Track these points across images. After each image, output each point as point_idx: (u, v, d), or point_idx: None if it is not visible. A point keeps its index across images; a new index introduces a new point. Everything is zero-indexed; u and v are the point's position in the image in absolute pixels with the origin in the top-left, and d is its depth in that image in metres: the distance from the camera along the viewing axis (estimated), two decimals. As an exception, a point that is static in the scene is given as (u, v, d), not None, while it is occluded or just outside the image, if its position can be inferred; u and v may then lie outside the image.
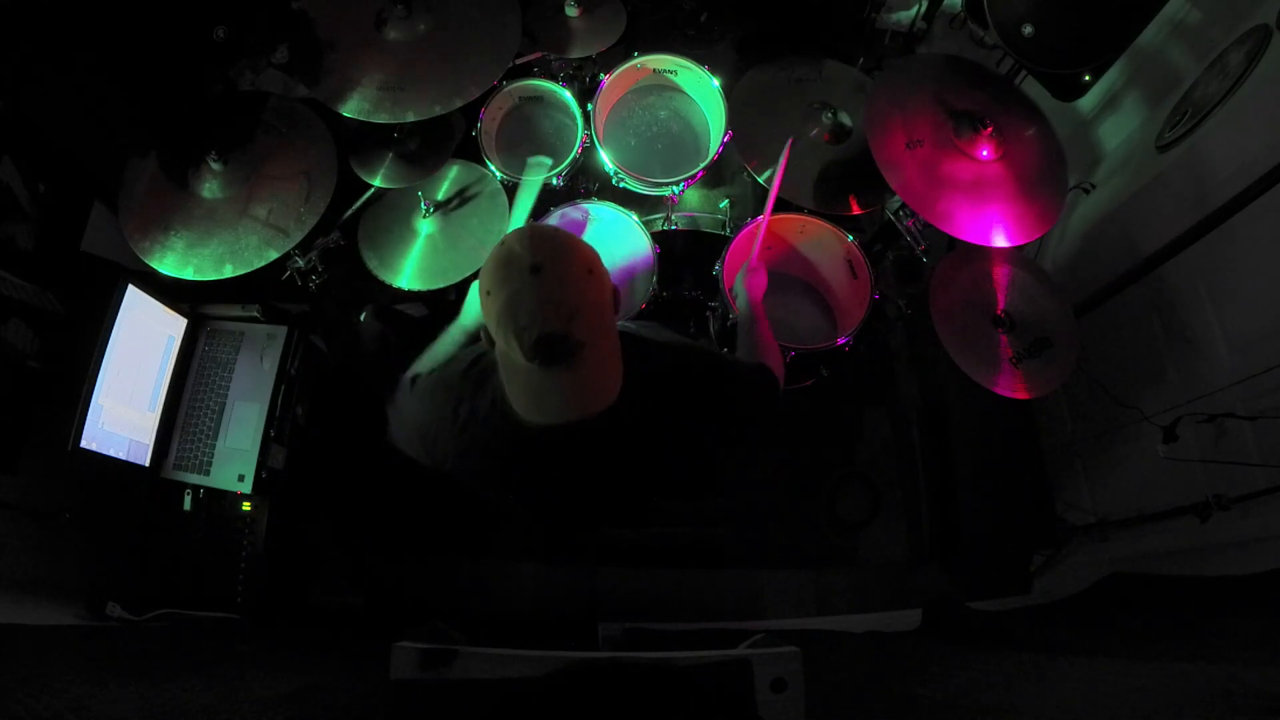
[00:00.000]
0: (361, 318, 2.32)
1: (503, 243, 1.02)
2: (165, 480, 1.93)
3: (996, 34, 2.09)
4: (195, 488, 1.93)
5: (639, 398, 1.08)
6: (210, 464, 1.93)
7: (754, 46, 3.09)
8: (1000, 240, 1.81)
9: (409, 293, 2.03)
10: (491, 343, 1.05)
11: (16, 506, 1.69)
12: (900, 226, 2.06)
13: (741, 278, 1.69)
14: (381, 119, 1.78)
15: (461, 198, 2.11)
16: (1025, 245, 1.88)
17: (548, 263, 0.97)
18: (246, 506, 1.94)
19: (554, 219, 2.08)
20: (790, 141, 1.77)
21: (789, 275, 2.25)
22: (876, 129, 1.85)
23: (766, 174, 2.07)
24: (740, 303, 1.67)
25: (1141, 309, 2.27)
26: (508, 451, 1.15)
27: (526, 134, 2.25)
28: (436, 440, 1.21)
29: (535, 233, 1.01)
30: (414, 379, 1.29)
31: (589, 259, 1.03)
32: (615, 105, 2.25)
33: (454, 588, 2.39)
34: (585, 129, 2.10)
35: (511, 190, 2.10)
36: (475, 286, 1.17)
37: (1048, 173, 1.90)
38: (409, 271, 2.04)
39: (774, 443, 2.69)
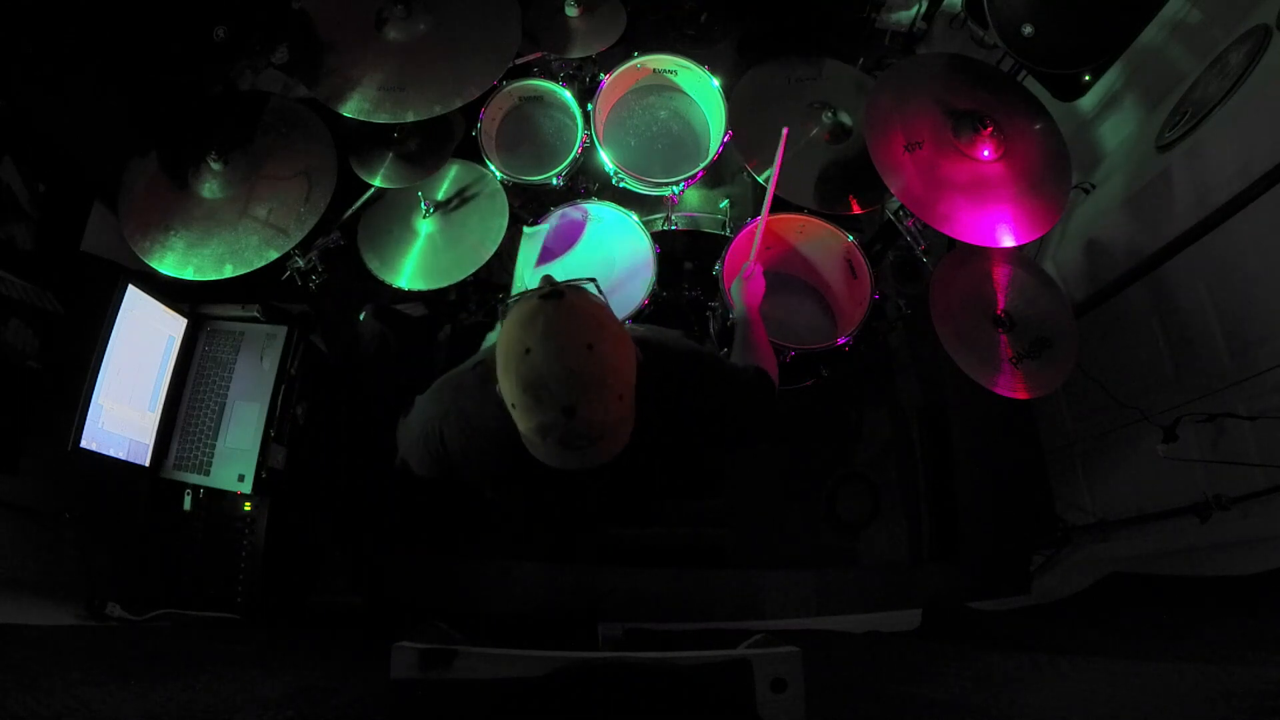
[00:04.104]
0: (361, 317, 2.32)
1: (527, 350, 0.94)
2: (165, 480, 1.93)
3: (996, 34, 2.09)
4: (195, 488, 1.93)
5: (646, 403, 1.09)
6: (210, 464, 1.93)
7: (754, 46, 3.09)
8: (1004, 240, 1.81)
9: (409, 292, 2.03)
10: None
11: (16, 506, 1.69)
12: (900, 226, 2.06)
13: (738, 283, 1.68)
14: (381, 119, 1.78)
15: (461, 197, 2.11)
16: (1025, 245, 1.88)
17: (581, 404, 0.94)
18: (246, 506, 1.94)
19: (554, 219, 2.08)
20: (785, 131, 1.77)
21: (789, 275, 2.25)
22: (875, 132, 1.85)
23: (766, 174, 2.07)
24: (737, 307, 1.67)
25: (1141, 309, 2.27)
26: (510, 449, 1.16)
27: (526, 134, 2.25)
28: (442, 437, 1.22)
29: (569, 363, 0.93)
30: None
31: (623, 379, 0.98)
32: (615, 105, 2.26)
33: (454, 587, 2.39)
34: (585, 129, 2.10)
35: (511, 190, 2.10)
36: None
37: (1050, 170, 1.90)
38: (409, 271, 2.04)
39: (774, 442, 2.69)
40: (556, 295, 0.98)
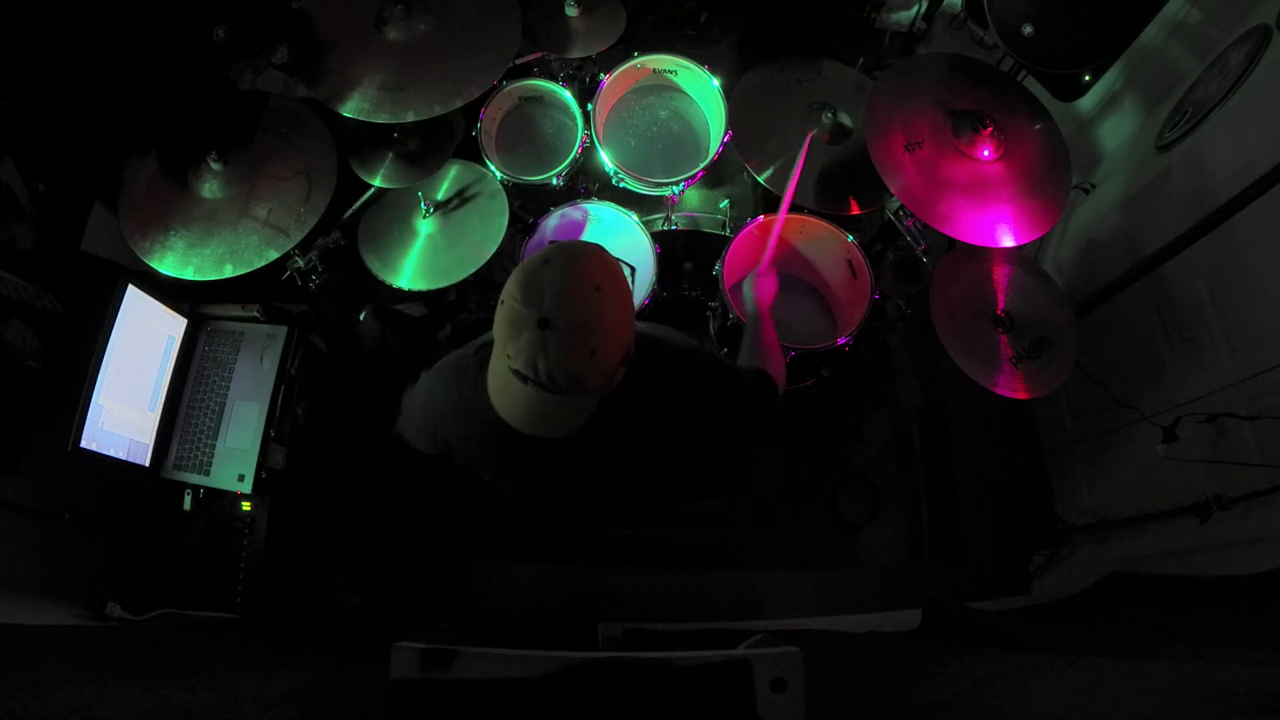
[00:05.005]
0: (361, 317, 2.32)
1: (547, 260, 0.99)
2: (165, 480, 1.93)
3: (996, 34, 2.09)
4: (195, 488, 1.93)
5: (641, 398, 1.09)
6: (210, 464, 1.93)
7: (754, 46, 3.09)
8: (1005, 240, 1.81)
9: (409, 293, 2.03)
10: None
11: (16, 506, 1.69)
12: (900, 226, 2.06)
13: (750, 281, 1.66)
14: (381, 119, 1.78)
15: (461, 197, 2.11)
16: (1025, 245, 1.88)
17: (559, 326, 0.94)
18: (246, 506, 1.94)
19: (554, 219, 2.08)
20: (809, 136, 1.76)
21: (789, 275, 2.25)
22: (875, 133, 1.85)
23: (766, 173, 2.07)
24: (747, 306, 1.65)
25: (1141, 309, 2.27)
26: (509, 437, 1.16)
27: (526, 134, 2.25)
28: (440, 420, 1.22)
29: (569, 288, 0.96)
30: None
31: (605, 337, 0.98)
32: (615, 105, 2.26)
33: (454, 587, 2.39)
34: (585, 129, 2.10)
35: (511, 190, 2.10)
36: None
37: (1050, 169, 1.90)
38: (409, 271, 2.04)
39: (774, 443, 2.70)
40: (600, 248, 1.06)
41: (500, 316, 0.99)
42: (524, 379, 0.97)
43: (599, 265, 1.01)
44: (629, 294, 1.05)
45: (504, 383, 1.02)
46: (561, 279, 0.96)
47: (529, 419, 1.03)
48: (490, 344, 1.20)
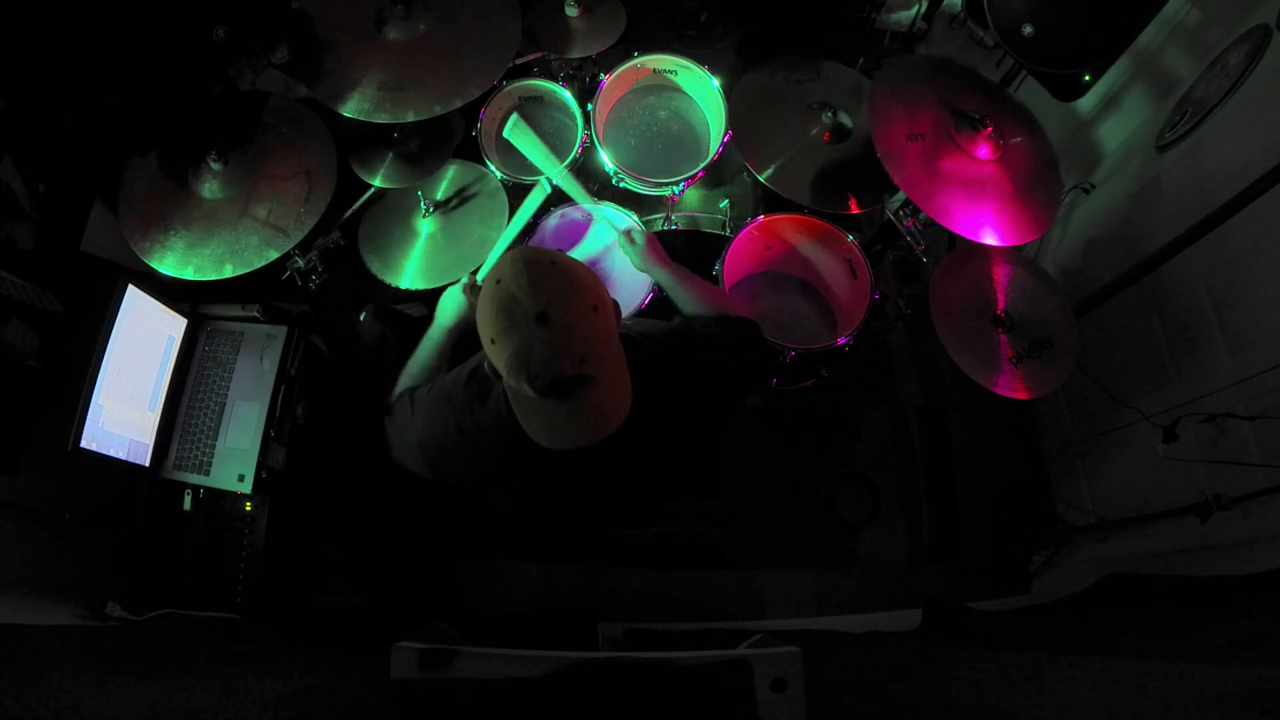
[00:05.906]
0: (361, 318, 2.32)
1: (498, 280, 0.98)
2: (165, 480, 1.92)
3: (996, 34, 2.10)
4: (195, 488, 1.93)
5: (638, 393, 1.09)
6: (210, 464, 1.93)
7: (754, 47, 3.09)
8: (990, 239, 1.81)
9: (409, 293, 2.04)
10: (498, 376, 1.04)
11: (16, 506, 1.69)
12: (900, 226, 2.06)
13: (638, 252, 1.57)
14: (381, 119, 1.78)
15: (461, 197, 2.11)
16: (1025, 245, 1.88)
17: (553, 309, 0.94)
18: (247, 506, 1.94)
19: (554, 219, 2.08)
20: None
21: (789, 275, 2.25)
22: (879, 120, 1.85)
23: (767, 173, 2.08)
24: (658, 277, 1.56)
25: (1141, 309, 2.27)
26: (515, 461, 1.16)
27: (526, 134, 2.25)
28: (441, 454, 1.22)
29: (534, 274, 0.96)
30: (412, 396, 1.29)
31: (591, 293, 1.00)
32: (615, 105, 2.26)
33: (454, 587, 2.39)
34: (585, 129, 2.10)
35: (510, 190, 2.10)
36: (446, 296, 1.17)
37: (1041, 180, 1.90)
38: (410, 271, 2.04)
39: (774, 442, 2.70)
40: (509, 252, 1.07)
41: (501, 353, 0.98)
42: (561, 394, 0.95)
43: (538, 251, 1.03)
44: (565, 255, 1.07)
45: (548, 417, 0.99)
46: (524, 277, 0.97)
47: (589, 428, 1.00)
48: (476, 369, 1.20)
